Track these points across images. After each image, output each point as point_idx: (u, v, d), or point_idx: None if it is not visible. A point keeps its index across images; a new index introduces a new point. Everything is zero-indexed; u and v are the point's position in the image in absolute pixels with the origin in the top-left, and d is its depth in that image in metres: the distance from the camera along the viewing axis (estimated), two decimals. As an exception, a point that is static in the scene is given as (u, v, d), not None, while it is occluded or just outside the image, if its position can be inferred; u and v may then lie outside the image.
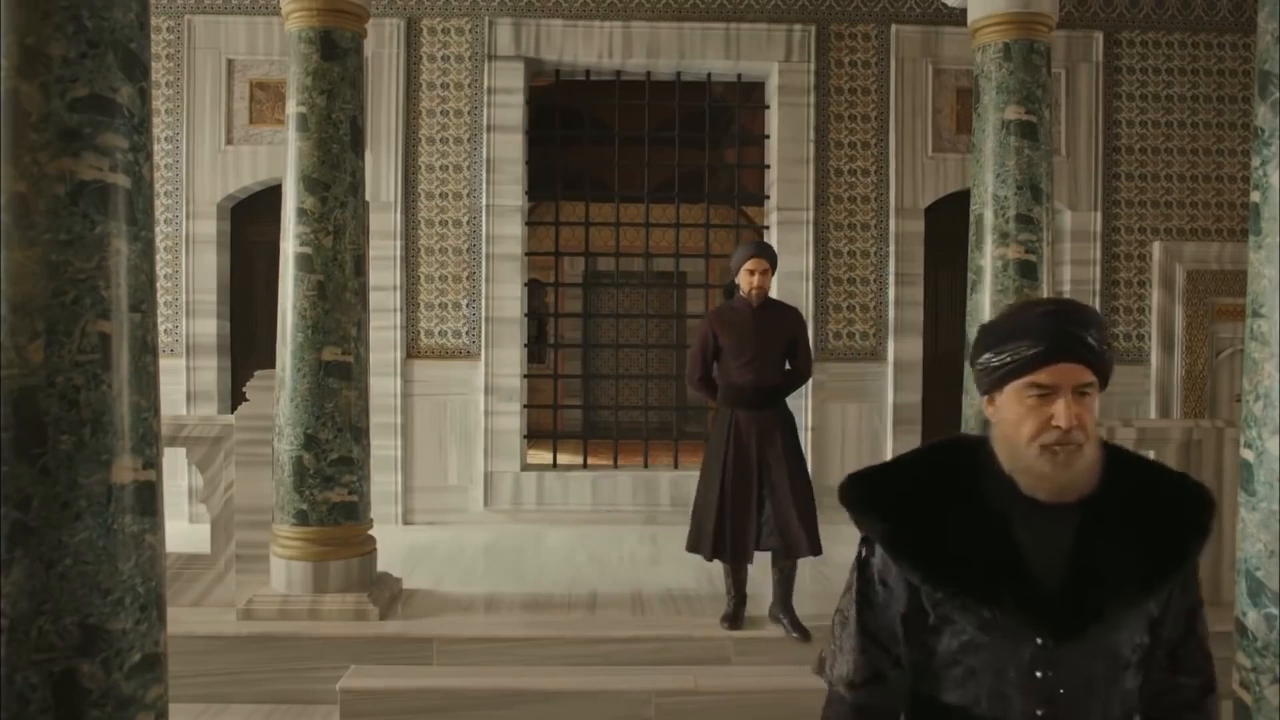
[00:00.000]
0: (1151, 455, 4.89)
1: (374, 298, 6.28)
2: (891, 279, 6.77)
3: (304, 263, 4.37)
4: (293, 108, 4.43)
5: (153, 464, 2.33)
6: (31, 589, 2.12)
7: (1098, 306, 6.83)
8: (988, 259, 4.52)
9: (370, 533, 4.60)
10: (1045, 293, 4.50)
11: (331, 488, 4.38)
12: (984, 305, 4.53)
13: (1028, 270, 4.45)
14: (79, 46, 2.18)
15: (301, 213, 4.39)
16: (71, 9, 2.17)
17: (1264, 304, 2.52)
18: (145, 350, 2.33)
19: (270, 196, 6.78)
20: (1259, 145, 2.55)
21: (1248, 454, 2.55)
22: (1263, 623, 2.49)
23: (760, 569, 4.52)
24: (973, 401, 4.56)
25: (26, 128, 2.14)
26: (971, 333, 4.59)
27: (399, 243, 6.66)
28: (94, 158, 2.20)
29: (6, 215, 2.14)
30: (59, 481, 2.14)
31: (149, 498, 2.31)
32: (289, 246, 4.41)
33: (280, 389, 4.43)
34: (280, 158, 6.53)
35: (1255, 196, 2.57)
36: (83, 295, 2.18)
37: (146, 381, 2.33)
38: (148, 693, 2.30)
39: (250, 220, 6.92)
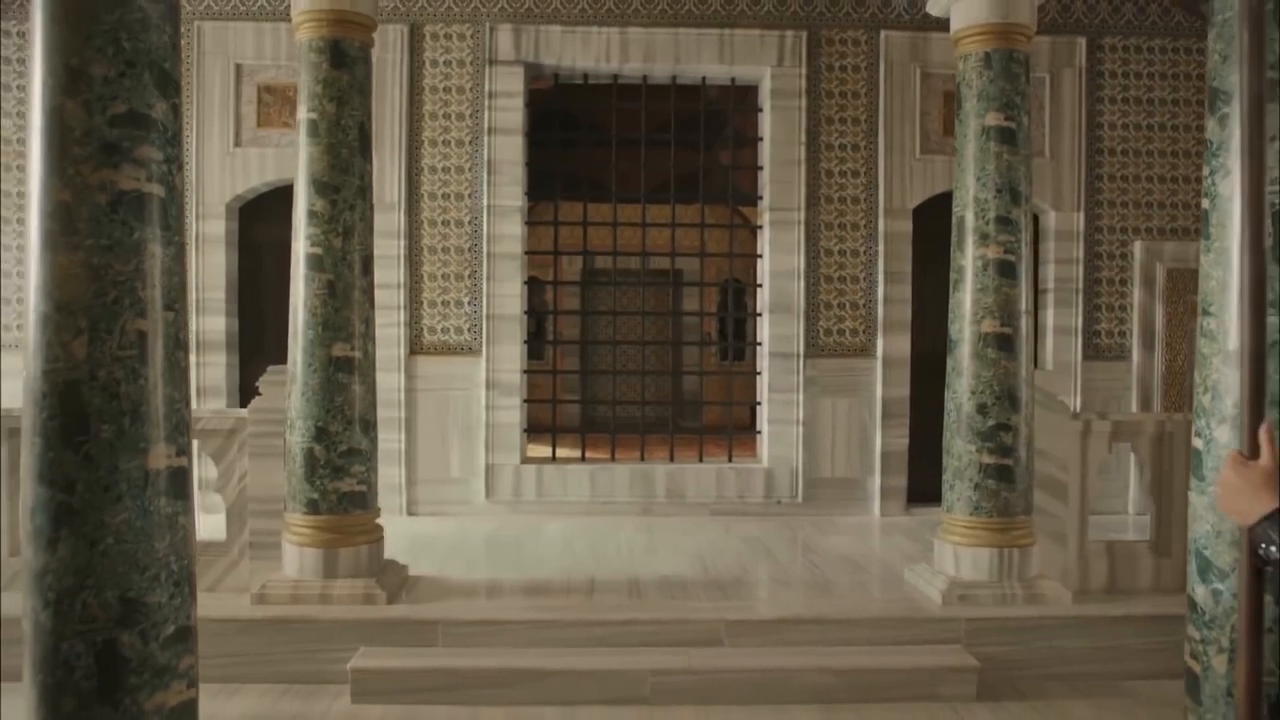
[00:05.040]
0: (1125, 447, 5.10)
1: (378, 295, 6.46)
2: (881, 277, 6.97)
3: (314, 263, 4.56)
4: (303, 114, 4.61)
5: (185, 451, 2.51)
6: (76, 565, 2.31)
7: (1080, 305, 7.04)
8: (969, 259, 4.71)
9: (378, 521, 4.80)
10: (1024, 292, 4.69)
11: (341, 478, 4.57)
12: (965, 303, 4.72)
13: (1006, 269, 4.64)
14: (118, 67, 2.36)
15: (312, 215, 4.57)
16: (111, 32, 2.35)
17: (1213, 303, 2.72)
18: (177, 346, 2.52)
19: (277, 197, 6.97)
20: (1209, 156, 2.75)
21: (1198, 442, 2.74)
22: (1210, 598, 2.69)
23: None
24: (954, 396, 4.76)
25: (70, 142, 2.33)
26: (955, 330, 4.78)
27: (402, 242, 6.85)
28: (132, 169, 2.38)
29: (52, 223, 2.33)
30: (101, 467, 2.32)
31: (181, 482, 2.49)
32: (300, 247, 4.60)
33: (292, 384, 4.62)
34: (287, 159, 6.75)
35: (1205, 204, 2.77)
36: (122, 296, 2.36)
37: (179, 375, 2.51)
38: (180, 662, 2.48)
39: (258, 220, 7.10)
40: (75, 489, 2.31)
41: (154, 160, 2.42)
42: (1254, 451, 1.55)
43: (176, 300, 2.50)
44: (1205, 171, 2.77)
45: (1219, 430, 2.68)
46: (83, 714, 2.32)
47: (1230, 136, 2.71)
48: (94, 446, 2.32)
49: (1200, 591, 2.73)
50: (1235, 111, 2.71)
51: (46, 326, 2.34)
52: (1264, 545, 1.44)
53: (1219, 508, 1.59)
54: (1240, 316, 2.63)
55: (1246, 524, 1.48)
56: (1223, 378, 2.68)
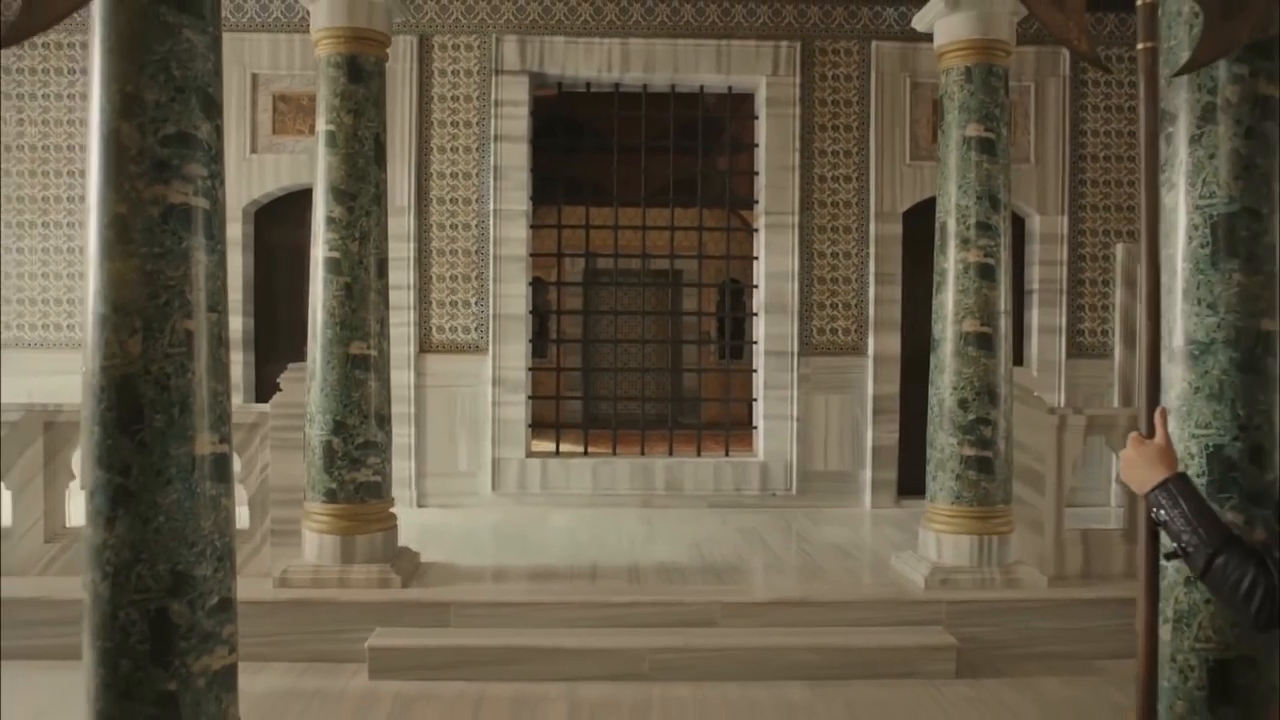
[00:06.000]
0: (1101, 440, 5.36)
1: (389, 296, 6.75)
2: (871, 278, 7.24)
3: (333, 266, 4.83)
4: (322, 125, 4.88)
5: (227, 439, 2.78)
6: (132, 541, 2.57)
7: (1064, 305, 7.31)
8: (951, 262, 4.97)
9: (392, 510, 5.07)
10: (1003, 293, 4.96)
11: (358, 469, 4.84)
12: (948, 304, 4.98)
13: (986, 272, 4.90)
14: (168, 92, 2.61)
15: (330, 221, 4.84)
16: (162, 61, 2.60)
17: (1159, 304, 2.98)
18: (219, 344, 2.78)
19: (291, 201, 7.25)
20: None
21: (1146, 432, 3.01)
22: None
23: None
24: (937, 391, 5.02)
25: (126, 160, 2.58)
26: (938, 329, 5.04)
27: (412, 245, 7.13)
28: (180, 184, 2.63)
29: (110, 233, 2.59)
30: (153, 453, 2.57)
31: (224, 467, 2.75)
32: (319, 251, 4.87)
33: (311, 380, 4.89)
34: (301, 165, 7.03)
35: (1153, 214, 3.03)
36: (172, 299, 2.61)
37: (221, 371, 2.77)
38: (223, 629, 2.74)
39: (272, 223, 7.38)
40: (131, 473, 2.55)
41: (200, 176, 2.67)
42: (1151, 432, 1.82)
43: (219, 302, 2.76)
44: (1154, 185, 3.04)
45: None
46: (137, 675, 2.57)
47: (1175, 153, 2.97)
48: (147, 434, 2.56)
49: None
50: (1180, 130, 2.97)
51: (105, 326, 2.59)
52: (1155, 509, 1.72)
53: (1122, 478, 1.86)
54: (1182, 318, 2.91)
55: (1143, 492, 1.76)
56: (1168, 373, 2.93)
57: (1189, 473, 2.87)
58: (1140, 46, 1.77)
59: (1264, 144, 2.82)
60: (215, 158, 2.75)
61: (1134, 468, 1.77)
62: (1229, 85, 2.84)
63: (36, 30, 1.98)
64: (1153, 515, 1.75)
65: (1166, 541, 1.77)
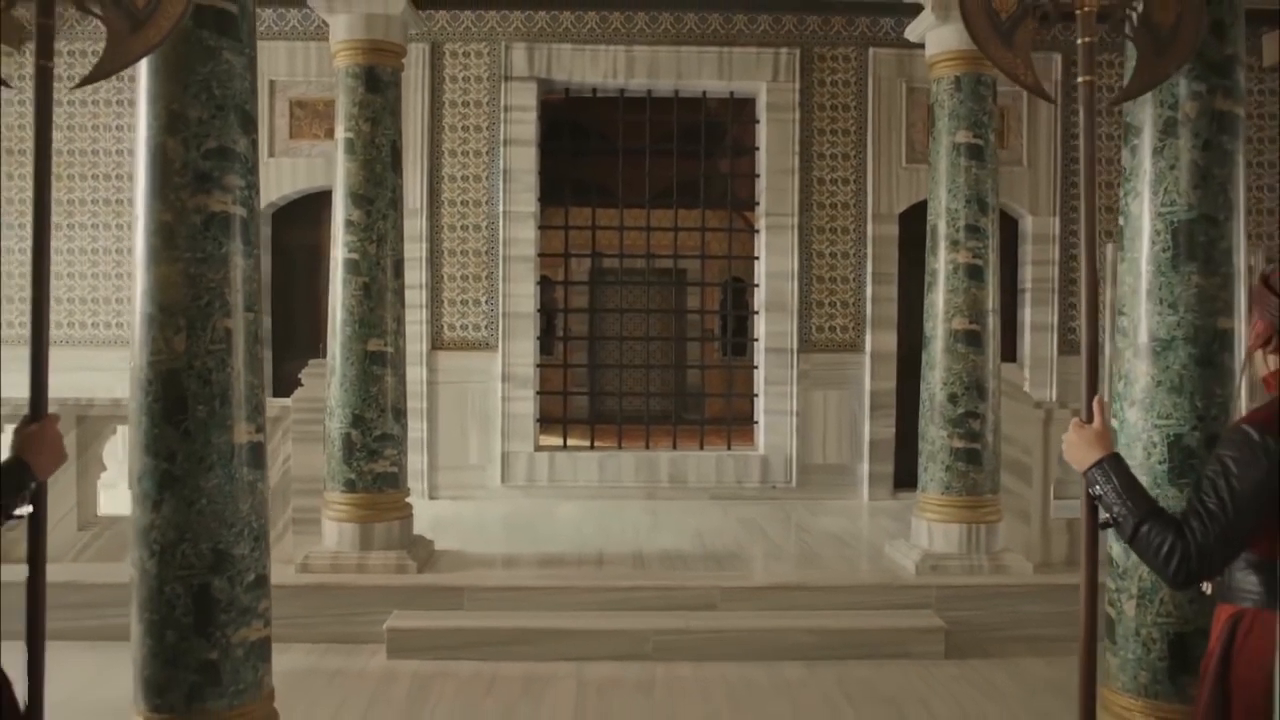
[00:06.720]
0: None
1: (402, 295, 6.98)
2: (869, 278, 7.47)
3: (351, 267, 5.07)
4: (341, 133, 5.12)
5: (262, 429, 3.01)
6: (177, 522, 2.80)
7: (1056, 303, 7.52)
8: (941, 263, 5.20)
9: (408, 500, 5.31)
10: (991, 293, 5.18)
11: (375, 460, 5.09)
12: (938, 303, 5.21)
13: (975, 273, 5.13)
14: (210, 110, 2.85)
15: (349, 224, 5.08)
16: (204, 81, 2.84)
17: (1125, 304, 3.21)
18: (255, 341, 3.01)
19: (307, 203, 7.49)
20: (1123, 180, 3.24)
21: (1114, 422, 3.24)
22: (1123, 553, 3.19)
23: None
24: (928, 386, 5.25)
25: (171, 172, 2.82)
26: (929, 327, 5.26)
27: (424, 245, 7.36)
28: (220, 194, 2.86)
29: (156, 239, 2.83)
30: (196, 441, 2.80)
31: (259, 455, 2.99)
32: (338, 253, 5.10)
33: (331, 375, 5.13)
34: (317, 168, 7.27)
35: (1120, 221, 3.26)
36: (213, 300, 2.84)
37: (257, 366, 3.01)
38: (259, 604, 2.99)
39: (289, 225, 7.62)
40: (176, 459, 2.79)
41: (238, 187, 2.91)
42: (1090, 417, 2.05)
43: (255, 303, 3.00)
44: (1121, 194, 3.26)
45: (1130, 411, 3.17)
46: (182, 645, 2.80)
47: (1140, 164, 3.20)
48: (191, 424, 2.80)
49: (1116, 549, 3.23)
50: (1145, 142, 3.20)
51: (151, 325, 2.83)
52: (1092, 485, 1.96)
53: (1064, 459, 2.09)
54: (1146, 316, 3.13)
55: (1081, 470, 1.99)
56: (1133, 368, 3.16)
57: (1151, 460, 3.11)
58: (1080, 80, 2.00)
59: (1221, 155, 3.06)
60: (251, 169, 2.99)
61: (1074, 449, 2.01)
62: (1188, 101, 3.07)
63: (114, 71, 2.22)
64: (1090, 490, 1.98)
65: (1103, 513, 2.00)
